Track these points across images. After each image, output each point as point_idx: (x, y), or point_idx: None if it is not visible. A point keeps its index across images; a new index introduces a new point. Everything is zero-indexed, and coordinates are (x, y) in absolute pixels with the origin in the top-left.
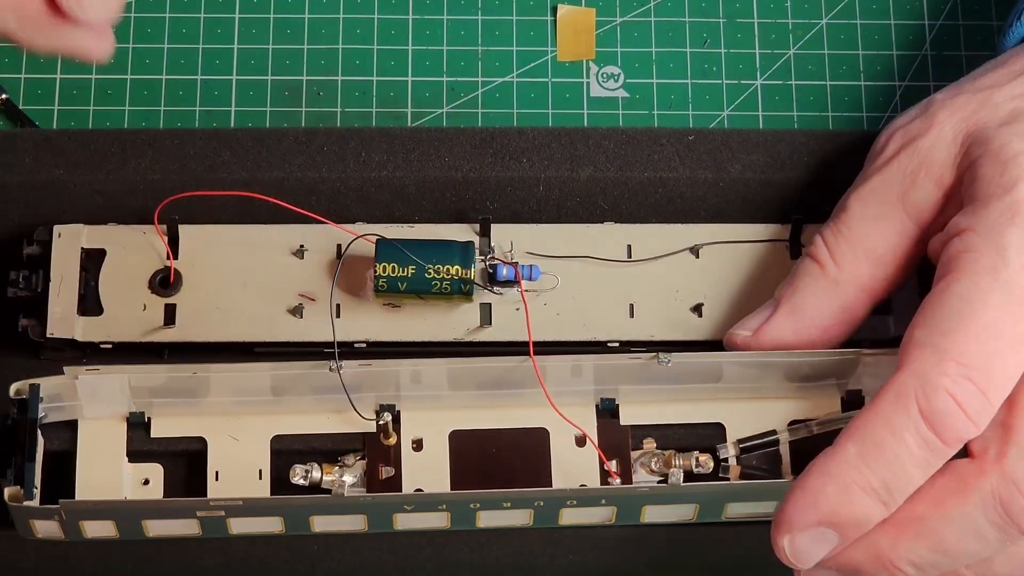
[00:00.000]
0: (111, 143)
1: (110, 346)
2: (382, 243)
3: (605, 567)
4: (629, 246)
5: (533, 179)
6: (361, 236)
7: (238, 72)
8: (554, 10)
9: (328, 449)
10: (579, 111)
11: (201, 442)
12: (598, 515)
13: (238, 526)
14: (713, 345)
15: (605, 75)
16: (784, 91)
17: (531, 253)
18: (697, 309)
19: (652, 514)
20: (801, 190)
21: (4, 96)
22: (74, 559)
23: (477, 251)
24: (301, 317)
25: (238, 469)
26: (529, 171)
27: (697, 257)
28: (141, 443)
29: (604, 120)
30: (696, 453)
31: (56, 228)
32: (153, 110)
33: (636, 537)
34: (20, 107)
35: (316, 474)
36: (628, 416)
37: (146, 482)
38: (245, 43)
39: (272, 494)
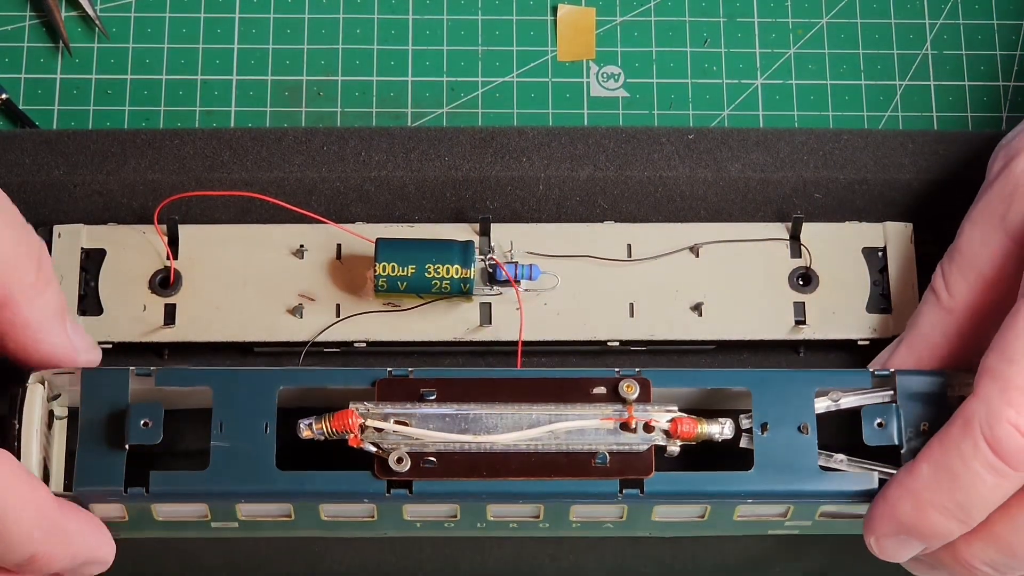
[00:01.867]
0: (111, 143)
1: (110, 346)
2: (382, 242)
3: (606, 567)
4: (629, 245)
5: (533, 179)
6: (361, 236)
7: (238, 72)
8: (554, 10)
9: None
10: (579, 111)
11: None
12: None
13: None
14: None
15: (605, 75)
16: (784, 91)
17: (531, 253)
18: (697, 308)
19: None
20: (802, 189)
21: (4, 96)
22: None
23: (477, 251)
24: (301, 317)
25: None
26: (529, 171)
27: (697, 256)
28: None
29: (604, 120)
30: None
31: (56, 228)
32: (153, 110)
33: (637, 537)
34: (20, 107)
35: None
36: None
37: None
38: (245, 43)
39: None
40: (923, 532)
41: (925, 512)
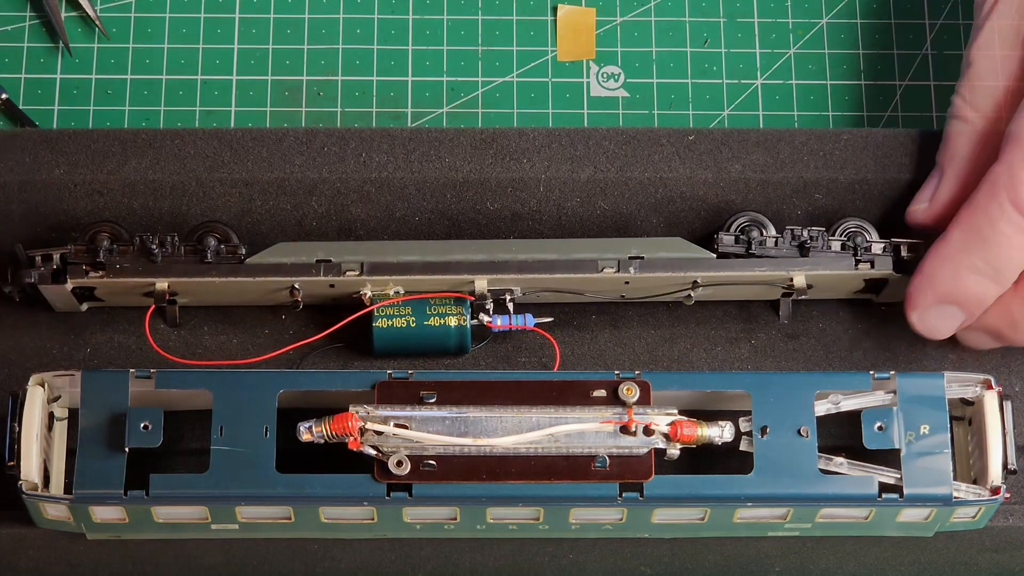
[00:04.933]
0: (111, 143)
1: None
2: (378, 339)
3: (606, 567)
4: (627, 282)
5: (533, 179)
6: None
7: (238, 72)
8: (554, 10)
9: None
10: (579, 111)
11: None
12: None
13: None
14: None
15: (605, 75)
16: (784, 91)
17: (522, 303)
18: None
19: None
20: (802, 189)
21: (4, 96)
22: (76, 558)
23: (470, 311)
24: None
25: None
26: (529, 172)
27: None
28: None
29: (604, 120)
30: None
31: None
32: (153, 110)
33: (636, 537)
34: (20, 107)
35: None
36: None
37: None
38: (245, 43)
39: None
40: (960, 296)
41: (960, 275)
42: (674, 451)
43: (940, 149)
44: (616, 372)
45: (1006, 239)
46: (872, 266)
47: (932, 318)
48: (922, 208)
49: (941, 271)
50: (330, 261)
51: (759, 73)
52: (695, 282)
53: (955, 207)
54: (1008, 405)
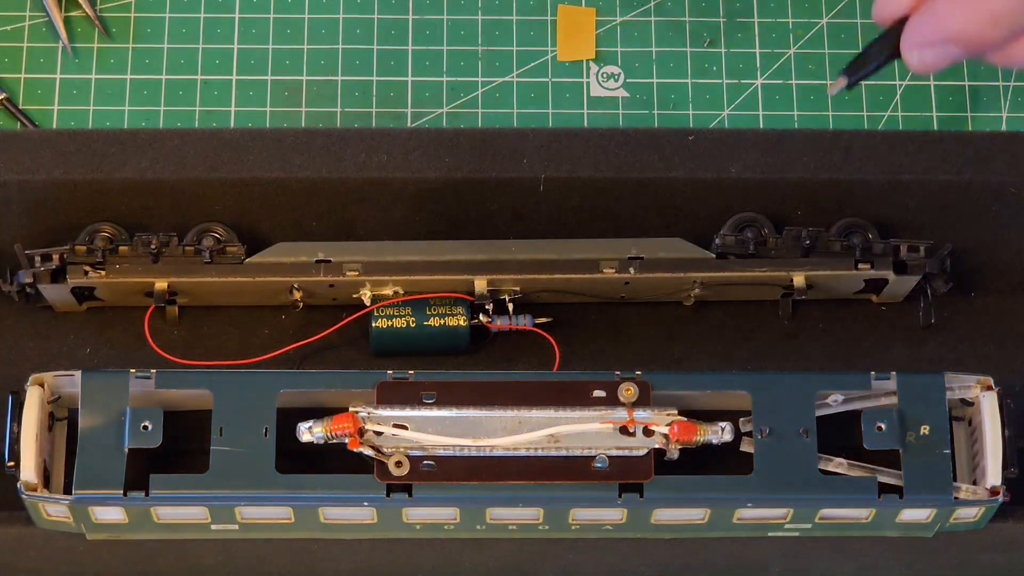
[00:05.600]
0: (111, 143)
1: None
2: (377, 338)
3: (605, 567)
4: (627, 282)
5: (533, 179)
6: (364, 300)
7: (238, 72)
8: (554, 10)
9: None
10: (579, 111)
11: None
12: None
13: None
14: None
15: (605, 75)
16: (784, 91)
17: (522, 303)
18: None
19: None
20: (802, 189)
21: (4, 96)
22: (76, 558)
23: (470, 311)
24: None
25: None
26: (529, 171)
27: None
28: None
29: (604, 120)
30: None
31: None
32: (153, 110)
33: (636, 537)
34: (20, 107)
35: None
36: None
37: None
38: (245, 43)
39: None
40: (967, 39)
41: (971, 19)
42: (674, 451)
43: None
44: (616, 372)
45: None
46: (872, 266)
47: (932, 55)
48: None
49: (956, 13)
50: (330, 261)
51: (759, 73)
52: (695, 282)
53: None
54: (1008, 405)
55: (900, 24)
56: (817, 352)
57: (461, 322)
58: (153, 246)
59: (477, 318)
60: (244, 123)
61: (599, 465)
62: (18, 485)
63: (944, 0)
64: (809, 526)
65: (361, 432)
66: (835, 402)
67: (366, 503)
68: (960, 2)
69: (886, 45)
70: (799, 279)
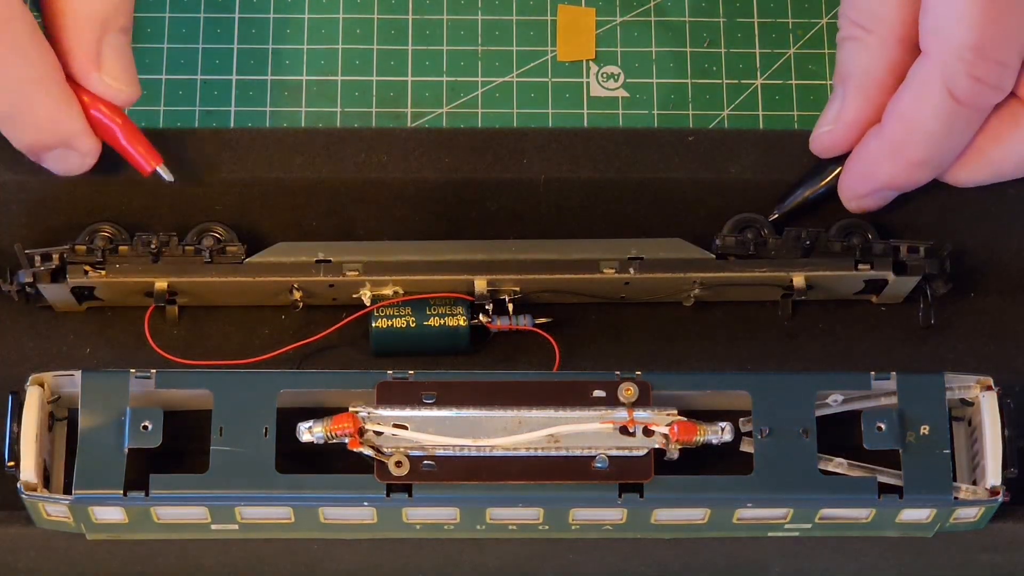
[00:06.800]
0: None
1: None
2: (377, 338)
3: (605, 567)
4: (627, 282)
5: (533, 179)
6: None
7: (238, 72)
8: (554, 10)
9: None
10: (579, 111)
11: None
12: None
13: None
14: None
15: (605, 75)
16: (784, 91)
17: (522, 303)
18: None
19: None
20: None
21: None
22: (76, 558)
23: (470, 311)
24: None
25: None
26: (529, 171)
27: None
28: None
29: (604, 120)
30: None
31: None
32: (153, 110)
33: (636, 537)
34: None
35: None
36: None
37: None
38: (245, 43)
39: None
40: (900, 186)
41: (902, 168)
42: (674, 451)
43: (835, 74)
44: (616, 372)
45: (948, 131)
46: (872, 267)
47: (870, 202)
48: (827, 130)
49: (883, 166)
50: (330, 261)
51: (759, 73)
52: (695, 283)
53: (863, 124)
54: (1008, 405)
55: (833, 161)
56: (817, 352)
57: (461, 322)
58: (153, 246)
59: (477, 318)
60: (245, 123)
61: (599, 465)
62: (18, 485)
63: (871, 149)
64: (809, 526)
65: (361, 432)
66: (835, 402)
67: (366, 503)
68: (885, 153)
69: (820, 182)
70: (799, 279)
